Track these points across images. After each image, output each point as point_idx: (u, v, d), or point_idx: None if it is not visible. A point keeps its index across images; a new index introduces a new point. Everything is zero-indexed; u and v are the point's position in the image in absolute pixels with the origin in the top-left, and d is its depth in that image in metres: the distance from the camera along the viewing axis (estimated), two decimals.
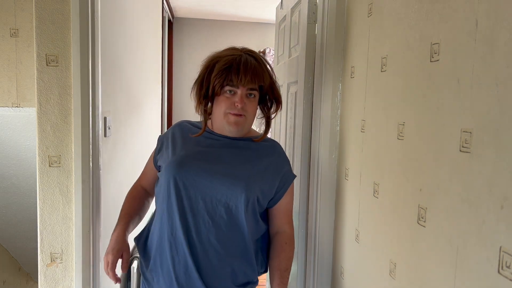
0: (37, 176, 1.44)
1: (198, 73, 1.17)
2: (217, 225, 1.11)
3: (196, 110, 1.17)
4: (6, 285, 2.60)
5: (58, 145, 1.44)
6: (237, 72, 1.07)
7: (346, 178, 1.42)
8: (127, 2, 2.01)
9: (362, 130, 1.28)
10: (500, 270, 0.66)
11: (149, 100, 2.83)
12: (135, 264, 2.10)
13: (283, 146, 1.83)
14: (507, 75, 0.66)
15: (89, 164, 1.45)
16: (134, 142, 2.26)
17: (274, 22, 2.52)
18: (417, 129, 0.95)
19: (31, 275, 2.77)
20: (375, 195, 1.18)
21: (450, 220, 0.81)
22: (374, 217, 1.18)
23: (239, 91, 1.10)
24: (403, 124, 1.01)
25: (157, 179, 1.24)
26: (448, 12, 0.83)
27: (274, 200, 1.22)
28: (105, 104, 1.59)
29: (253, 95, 1.13)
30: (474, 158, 0.74)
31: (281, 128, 2.13)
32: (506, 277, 0.65)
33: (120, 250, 1.15)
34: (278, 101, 1.20)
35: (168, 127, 4.44)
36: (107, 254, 1.14)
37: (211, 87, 1.10)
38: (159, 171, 1.20)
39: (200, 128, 1.19)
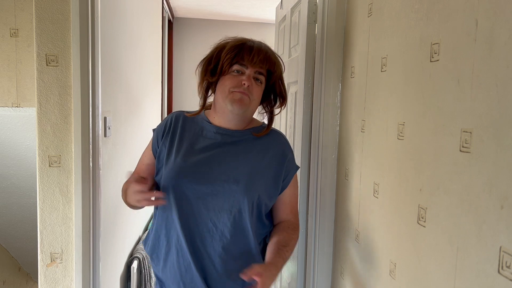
0: (37, 176, 1.44)
1: (207, 54, 1.13)
2: (221, 232, 1.08)
3: (198, 89, 1.13)
4: (6, 285, 2.60)
5: (58, 145, 1.44)
6: (250, 51, 1.05)
7: (346, 178, 1.42)
8: (127, 2, 2.01)
9: (362, 130, 1.28)
10: (500, 270, 0.66)
11: (149, 100, 2.83)
12: (135, 264, 2.10)
13: None
14: (507, 75, 0.66)
15: (89, 164, 1.45)
16: (134, 142, 2.26)
17: (274, 22, 2.52)
18: (417, 129, 0.95)
19: (31, 275, 2.77)
20: (375, 195, 1.18)
21: (450, 220, 0.81)
22: (374, 217, 1.18)
23: (247, 71, 1.06)
24: (403, 124, 1.01)
25: (155, 172, 1.16)
26: (448, 12, 0.83)
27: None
28: (105, 104, 1.59)
29: (259, 81, 1.09)
30: (474, 158, 0.73)
31: (281, 128, 2.13)
32: (506, 277, 0.65)
33: (138, 180, 1.04)
34: (283, 97, 1.16)
35: None
36: (130, 193, 1.04)
37: (220, 64, 1.07)
38: (159, 165, 1.14)
39: (196, 120, 1.15)
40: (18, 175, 2.30)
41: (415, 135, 0.96)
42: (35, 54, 1.40)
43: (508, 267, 0.64)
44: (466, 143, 0.76)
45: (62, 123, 1.43)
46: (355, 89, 1.35)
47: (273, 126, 1.20)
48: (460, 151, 0.77)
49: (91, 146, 1.45)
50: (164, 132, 1.16)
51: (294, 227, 1.18)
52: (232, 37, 1.13)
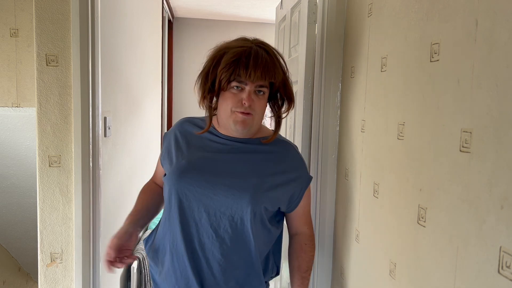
0: (37, 176, 1.44)
1: (204, 64, 1.06)
2: (221, 239, 1.06)
3: (200, 105, 1.08)
4: (6, 285, 2.60)
5: (58, 145, 1.44)
6: (246, 67, 0.97)
7: (346, 178, 1.42)
8: (127, 2, 2.01)
9: (362, 130, 1.28)
10: (500, 270, 0.66)
11: (149, 100, 2.83)
12: (135, 264, 2.10)
13: None
14: (507, 75, 0.66)
15: (89, 164, 1.45)
16: (134, 142, 2.26)
17: (274, 22, 2.52)
18: (417, 129, 0.95)
19: (31, 275, 2.77)
20: (375, 195, 1.18)
21: (450, 220, 0.81)
22: (374, 217, 1.18)
23: (247, 88, 1.00)
24: (403, 124, 1.01)
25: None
26: (448, 12, 0.83)
27: (291, 208, 1.15)
28: (105, 104, 1.59)
29: (262, 92, 1.03)
30: (474, 158, 0.73)
31: (281, 128, 2.13)
32: (506, 277, 0.65)
33: (117, 245, 1.09)
34: (290, 99, 1.11)
35: (168, 127, 4.45)
36: (107, 247, 1.10)
37: (217, 81, 1.00)
38: (165, 175, 1.15)
39: (204, 127, 1.11)
40: (18, 175, 2.30)
41: (415, 135, 0.96)
42: (35, 54, 1.40)
43: (508, 267, 0.64)
44: (466, 143, 0.76)
45: (62, 123, 1.43)
46: (355, 89, 1.35)
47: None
48: (460, 151, 0.77)
49: (91, 146, 1.45)
50: (172, 142, 1.16)
51: (310, 242, 1.21)
52: (227, 43, 1.06)
